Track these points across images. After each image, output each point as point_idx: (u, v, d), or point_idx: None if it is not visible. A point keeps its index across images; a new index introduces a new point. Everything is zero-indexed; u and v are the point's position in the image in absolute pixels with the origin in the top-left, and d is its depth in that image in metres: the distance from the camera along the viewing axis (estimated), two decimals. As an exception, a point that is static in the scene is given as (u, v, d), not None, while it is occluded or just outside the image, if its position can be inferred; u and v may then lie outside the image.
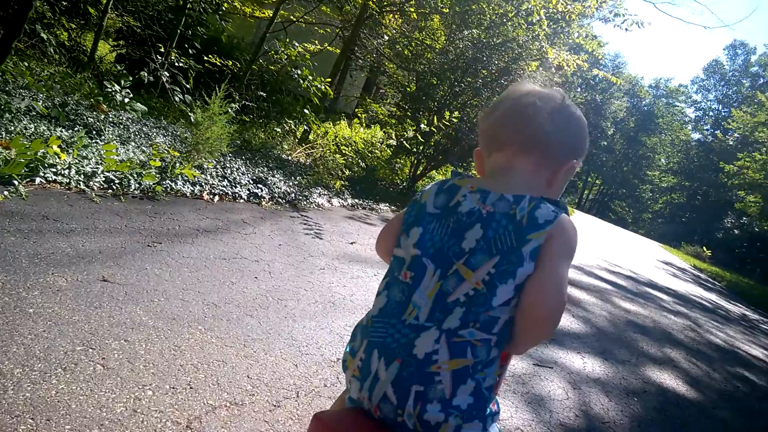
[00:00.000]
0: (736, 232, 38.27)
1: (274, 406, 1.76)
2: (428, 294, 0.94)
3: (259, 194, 4.25)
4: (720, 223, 42.16)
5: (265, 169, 5.04)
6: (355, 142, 7.72)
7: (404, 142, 7.36)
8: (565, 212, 0.97)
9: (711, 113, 55.66)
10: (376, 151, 7.79)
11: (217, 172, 4.21)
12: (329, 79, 7.18)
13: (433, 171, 9.31)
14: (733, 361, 5.05)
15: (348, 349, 1.04)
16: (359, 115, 9.20)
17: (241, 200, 4.05)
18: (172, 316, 2.07)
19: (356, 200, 5.84)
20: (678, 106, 59.36)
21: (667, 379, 3.60)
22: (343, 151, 7.31)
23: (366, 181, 7.02)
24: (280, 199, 4.42)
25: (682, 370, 3.96)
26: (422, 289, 0.95)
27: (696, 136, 56.04)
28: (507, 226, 0.93)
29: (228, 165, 4.53)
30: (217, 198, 3.82)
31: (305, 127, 7.71)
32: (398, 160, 8.55)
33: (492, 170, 1.06)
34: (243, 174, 4.47)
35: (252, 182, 4.41)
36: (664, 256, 20.46)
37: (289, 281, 2.85)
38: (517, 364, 2.82)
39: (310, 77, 6.93)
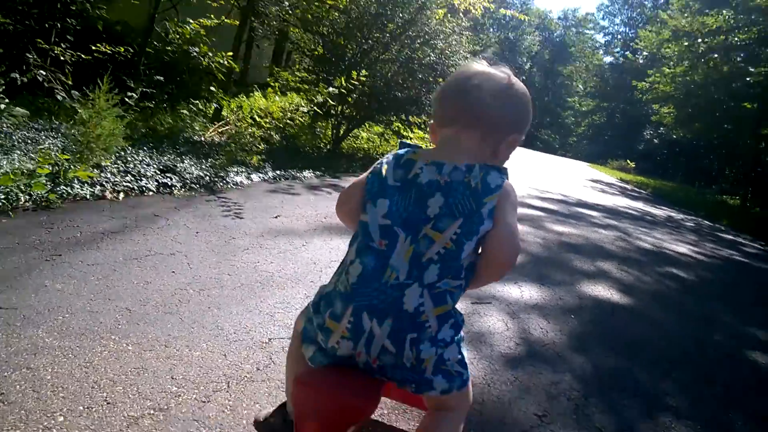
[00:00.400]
0: (655, 141, 40.34)
1: (204, 402, 1.66)
2: (404, 256, 1.09)
3: (169, 183, 4.00)
4: (640, 136, 44.36)
5: (174, 155, 4.77)
6: (272, 112, 7.46)
7: (316, 108, 7.18)
8: (507, 178, 1.15)
9: (619, 36, 58.57)
10: (295, 118, 7.56)
11: (118, 168, 3.92)
12: (230, 53, 6.83)
13: (356, 129, 9.17)
14: (662, 261, 5.31)
15: (327, 314, 1.14)
16: (272, 84, 8.88)
17: (150, 193, 3.80)
18: (80, 331, 1.91)
19: (278, 172, 5.63)
20: (588, 34, 62.04)
21: (601, 291, 3.73)
22: (261, 124, 7.05)
23: (287, 151, 6.82)
24: (193, 185, 4.18)
25: (615, 280, 4.11)
26: (397, 254, 1.09)
27: (608, 59, 59.09)
28: (464, 192, 1.10)
29: (130, 158, 4.24)
30: (122, 195, 3.57)
31: (215, 105, 7.37)
32: (319, 124, 8.36)
33: (442, 142, 1.20)
34: (148, 165, 4.19)
35: (159, 172, 4.14)
36: (592, 175, 21.32)
37: (211, 269, 2.71)
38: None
39: (210, 53, 6.57)
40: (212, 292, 2.45)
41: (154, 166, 4.24)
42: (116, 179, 3.70)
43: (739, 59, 19.47)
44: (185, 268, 2.66)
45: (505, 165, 1.23)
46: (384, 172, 1.16)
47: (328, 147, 8.07)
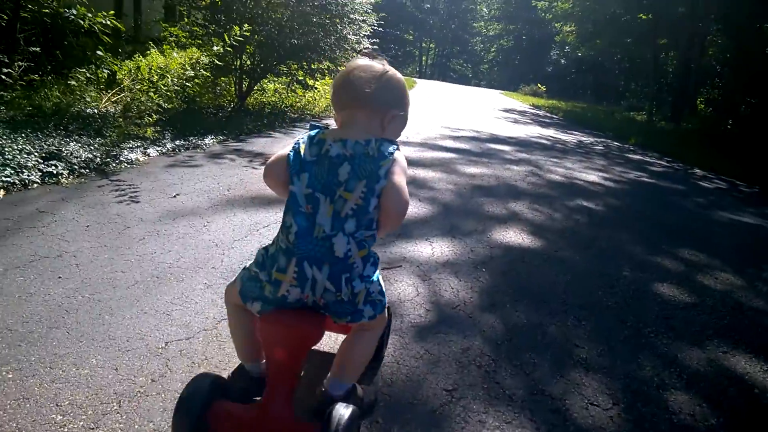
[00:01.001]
0: (563, 61, 41.48)
1: (91, 429, 1.58)
2: (327, 214, 1.40)
3: (56, 172, 3.69)
4: (548, 57, 45.31)
5: (60, 137, 4.37)
6: (172, 70, 6.96)
7: (216, 60, 6.77)
8: (398, 148, 1.49)
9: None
10: (197, 74, 7.10)
11: (-7, 162, 3.57)
12: (113, 12, 6.26)
13: (263, 82, 8.80)
14: (572, 194, 5.48)
15: (274, 269, 1.43)
16: (168, 39, 8.26)
17: (35, 185, 3.51)
18: (-50, 364, 1.76)
19: (177, 142, 5.31)
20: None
21: (512, 236, 3.78)
22: (160, 86, 6.59)
23: (188, 115, 6.43)
24: (83, 170, 3.88)
25: (527, 222, 4.19)
26: (321, 214, 1.40)
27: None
28: (365, 159, 1.42)
29: (8, 148, 3.84)
30: (1, 192, 3.27)
31: (107, 71, 6.79)
32: (221, 80, 7.93)
33: (343, 123, 1.55)
34: (29, 154, 3.82)
35: (42, 160, 3.80)
36: (505, 103, 21.62)
37: (102, 268, 2.55)
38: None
39: (89, 15, 5.99)
40: (103, 295, 2.31)
41: (36, 153, 3.87)
42: (-9, 176, 3.38)
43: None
44: (74, 271, 2.49)
45: (398, 137, 1.60)
46: (302, 151, 1.45)
47: (233, 105, 7.71)
